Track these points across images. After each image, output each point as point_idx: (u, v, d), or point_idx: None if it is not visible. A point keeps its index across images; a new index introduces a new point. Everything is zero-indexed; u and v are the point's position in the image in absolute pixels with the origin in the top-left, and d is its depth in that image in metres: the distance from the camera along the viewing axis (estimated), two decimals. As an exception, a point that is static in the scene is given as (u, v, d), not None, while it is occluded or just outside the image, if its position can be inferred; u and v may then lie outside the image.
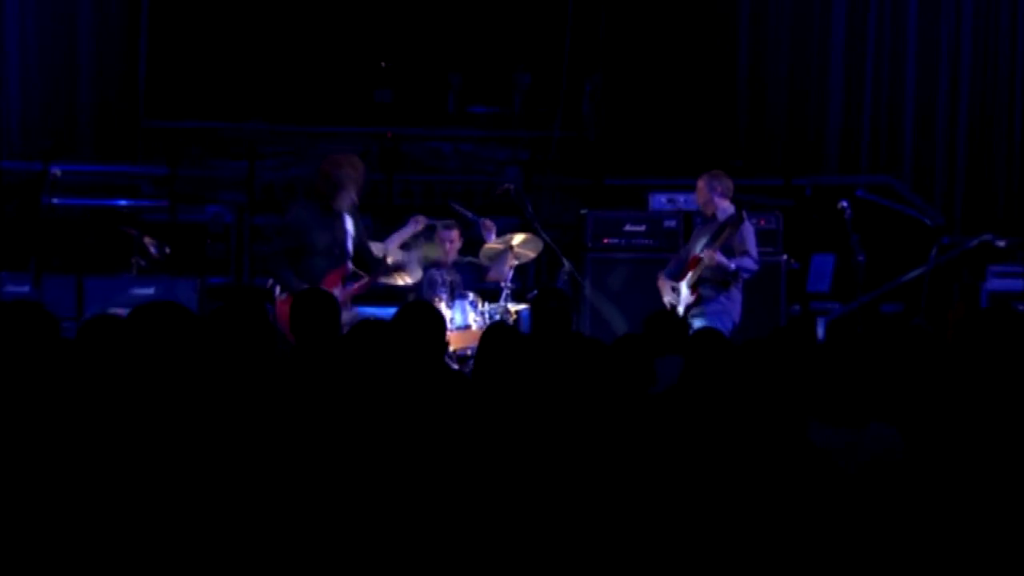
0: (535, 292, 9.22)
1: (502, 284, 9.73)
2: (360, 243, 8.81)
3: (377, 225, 12.25)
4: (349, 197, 8.64)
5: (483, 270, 10.26)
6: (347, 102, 14.67)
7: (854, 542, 3.56)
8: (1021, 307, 10.51)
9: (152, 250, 12.02)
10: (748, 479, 3.82)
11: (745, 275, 8.98)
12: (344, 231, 8.64)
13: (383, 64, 14.90)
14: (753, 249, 9.08)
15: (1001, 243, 11.57)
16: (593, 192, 13.00)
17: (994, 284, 11.10)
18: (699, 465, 3.96)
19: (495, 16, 14.74)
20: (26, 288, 10.47)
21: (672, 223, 10.90)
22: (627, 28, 14.11)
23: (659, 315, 7.72)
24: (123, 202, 12.89)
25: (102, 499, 3.62)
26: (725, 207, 9.17)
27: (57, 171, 11.14)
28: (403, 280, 9.54)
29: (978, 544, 3.46)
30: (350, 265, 8.71)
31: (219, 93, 14.42)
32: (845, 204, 9.85)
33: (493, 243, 9.98)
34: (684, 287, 9.16)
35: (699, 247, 9.23)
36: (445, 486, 3.89)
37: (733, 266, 8.92)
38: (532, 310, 7.78)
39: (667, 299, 9.32)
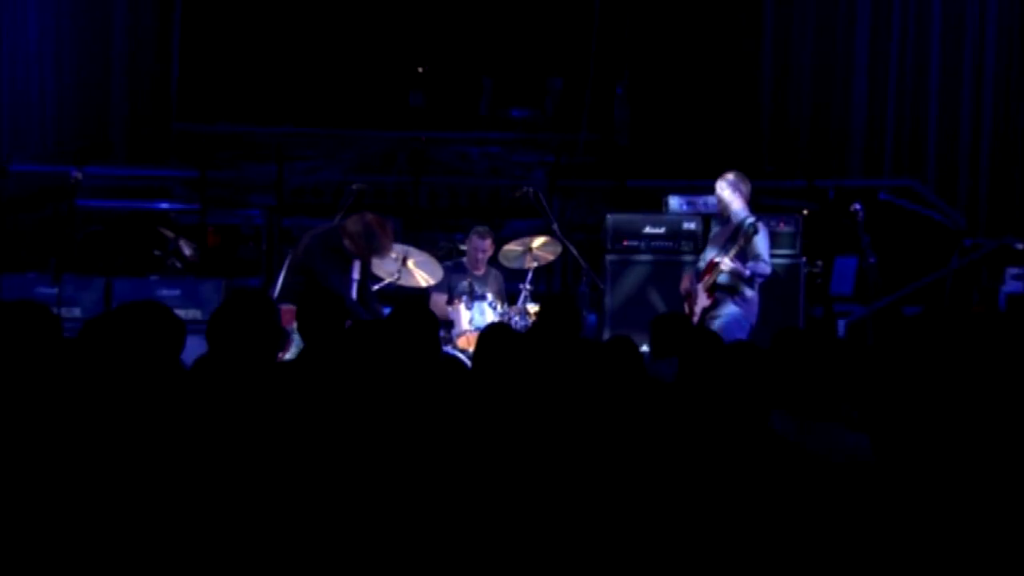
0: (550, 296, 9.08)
1: (521, 286, 9.71)
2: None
3: (405, 228, 12.37)
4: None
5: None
6: (379, 105, 14.71)
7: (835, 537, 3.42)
8: None
9: (187, 252, 12.19)
10: (726, 473, 3.70)
11: (760, 279, 8.92)
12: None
13: (420, 69, 14.98)
14: (766, 253, 9.04)
15: (1020, 245, 11.56)
16: (617, 195, 13.01)
17: (1012, 286, 11.09)
18: (683, 459, 3.87)
19: (528, 22, 14.81)
20: (56, 290, 10.40)
21: (691, 225, 10.73)
22: (652, 34, 14.20)
23: (665, 317, 7.62)
24: (156, 204, 12.88)
25: (102, 498, 3.59)
26: (740, 210, 9.14)
27: (78, 174, 11.04)
28: (425, 282, 9.56)
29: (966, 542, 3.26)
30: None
31: (250, 97, 14.59)
32: (858, 207, 9.69)
33: (513, 245, 9.88)
34: (704, 291, 9.15)
35: (715, 252, 9.25)
36: (441, 477, 3.89)
37: (748, 272, 8.91)
38: (539, 314, 7.71)
39: (699, 306, 9.31)
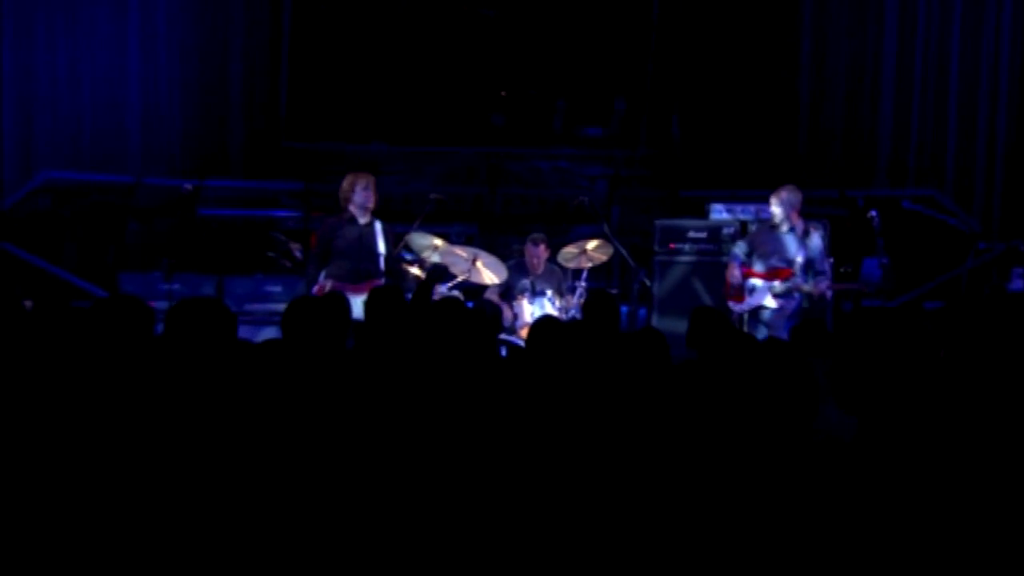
0: (587, 293, 9.28)
1: (577, 283, 9.76)
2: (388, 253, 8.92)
3: (481, 232, 12.90)
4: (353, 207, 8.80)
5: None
6: (464, 125, 14.69)
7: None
8: None
9: (296, 254, 12.48)
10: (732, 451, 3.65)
11: None
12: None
13: (502, 93, 14.92)
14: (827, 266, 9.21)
15: None
16: (670, 203, 13.00)
17: (1016, 284, 11.07)
18: (695, 438, 3.87)
19: (597, 50, 14.73)
20: (178, 285, 10.67)
21: (730, 230, 10.81)
22: (702, 60, 14.10)
23: (701, 310, 7.85)
24: (267, 212, 13.07)
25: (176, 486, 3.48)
26: (797, 219, 9.15)
27: (189, 186, 11.41)
28: (491, 280, 9.73)
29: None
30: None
31: (349, 118, 14.52)
32: (874, 213, 9.83)
33: (570, 247, 9.95)
34: (767, 292, 9.12)
35: (782, 257, 9.13)
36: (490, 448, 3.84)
37: (831, 294, 9.24)
38: (583, 307, 7.66)
39: (754, 299, 9.25)
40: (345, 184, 8.81)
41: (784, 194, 9.15)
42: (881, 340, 4.21)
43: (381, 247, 8.75)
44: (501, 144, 14.52)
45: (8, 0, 12.85)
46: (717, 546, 3.32)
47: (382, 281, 8.63)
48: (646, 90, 14.45)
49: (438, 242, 9.57)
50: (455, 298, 8.63)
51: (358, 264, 8.66)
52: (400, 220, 10.12)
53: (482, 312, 7.61)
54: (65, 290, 11.77)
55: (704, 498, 3.44)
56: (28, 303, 8.79)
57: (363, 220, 8.73)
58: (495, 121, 14.97)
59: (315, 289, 8.48)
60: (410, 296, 8.25)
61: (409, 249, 9.75)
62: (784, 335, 8.37)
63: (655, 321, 10.65)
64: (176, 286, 10.69)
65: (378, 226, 8.80)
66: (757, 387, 4.02)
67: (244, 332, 10.55)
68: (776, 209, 9.12)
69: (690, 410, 4.10)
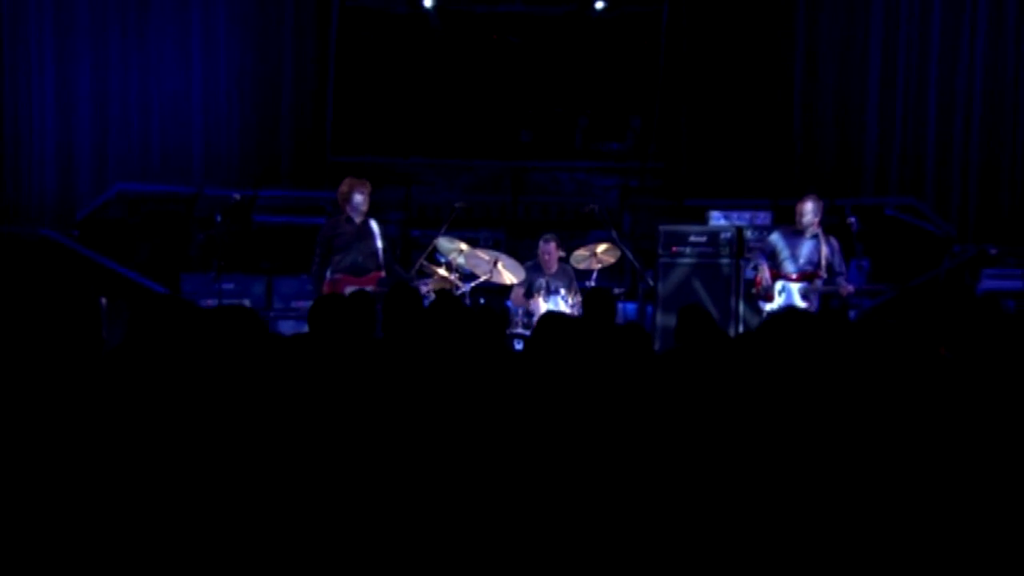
0: (591, 288, 9.14)
1: (588, 283, 9.77)
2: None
3: (509, 237, 12.90)
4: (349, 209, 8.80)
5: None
6: (494, 141, 14.79)
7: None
8: (1011, 303, 10.58)
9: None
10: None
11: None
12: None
13: (558, 110, 15.10)
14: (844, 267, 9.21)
15: (993, 251, 11.40)
16: (677, 210, 12.96)
17: (986, 284, 10.96)
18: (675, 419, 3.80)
19: (615, 74, 14.92)
20: (232, 285, 10.87)
21: (728, 235, 10.74)
22: (705, 82, 14.11)
23: (689, 308, 7.96)
24: (315, 220, 12.48)
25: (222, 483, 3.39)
26: (818, 226, 9.12)
27: (237, 195, 11.51)
28: (511, 280, 9.70)
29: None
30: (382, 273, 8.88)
31: (389, 135, 14.65)
32: (853, 220, 9.84)
33: (581, 251, 9.89)
34: (798, 293, 9.07)
35: (809, 261, 9.11)
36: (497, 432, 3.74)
37: (852, 291, 9.16)
38: (584, 303, 7.70)
39: (784, 300, 9.17)
40: (344, 188, 8.89)
41: (816, 203, 9.13)
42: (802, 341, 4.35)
43: (378, 243, 8.83)
44: (525, 158, 14.57)
45: (87, 31, 12.97)
46: (690, 520, 3.24)
47: (382, 273, 8.79)
48: (656, 109, 14.43)
49: (463, 246, 9.56)
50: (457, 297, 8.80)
51: (357, 259, 8.73)
52: (432, 226, 10.39)
53: (491, 310, 7.89)
54: (135, 290, 11.69)
55: (682, 477, 3.39)
56: (103, 301, 9.23)
57: (358, 220, 8.80)
58: (523, 137, 15.13)
59: (324, 286, 8.58)
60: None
61: (437, 251, 9.75)
62: None
63: (659, 317, 10.65)
64: (229, 285, 10.89)
65: (373, 224, 8.89)
66: (730, 375, 4.15)
67: (290, 326, 11.01)
68: (812, 217, 9.05)
69: (669, 394, 4.09)
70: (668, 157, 14.23)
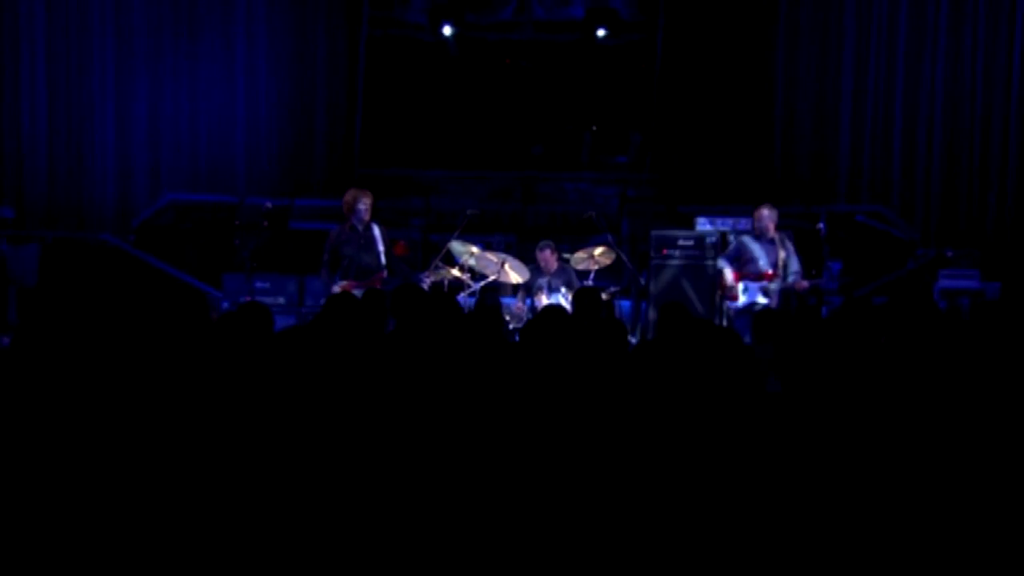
0: (580, 287, 9.02)
1: (585, 282, 9.78)
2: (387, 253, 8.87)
3: (520, 241, 12.52)
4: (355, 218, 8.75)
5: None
6: (509, 154, 14.63)
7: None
8: (965, 300, 10.73)
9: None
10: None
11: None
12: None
13: (569, 127, 14.91)
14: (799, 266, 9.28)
15: (950, 254, 11.49)
16: (670, 216, 12.86)
17: (943, 283, 11.04)
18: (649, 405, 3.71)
19: (616, 95, 14.75)
20: (267, 284, 10.91)
21: (713, 239, 10.80)
22: (697, 102, 14.02)
23: (668, 304, 7.97)
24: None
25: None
26: (774, 231, 9.23)
27: (269, 204, 11.59)
28: (516, 279, 9.85)
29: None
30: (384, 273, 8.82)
31: (412, 148, 14.51)
32: (821, 226, 9.83)
33: (580, 253, 9.95)
34: (759, 291, 9.13)
35: (767, 262, 9.21)
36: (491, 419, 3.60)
37: (808, 287, 9.27)
38: (573, 300, 7.70)
39: (747, 299, 9.19)
40: (348, 198, 8.85)
41: (771, 211, 9.25)
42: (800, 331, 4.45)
43: (380, 246, 8.79)
44: (535, 169, 14.47)
45: (143, 58, 13.16)
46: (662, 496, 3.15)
47: (384, 274, 8.77)
48: (651, 126, 14.37)
49: (474, 249, 9.69)
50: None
51: (361, 262, 8.71)
52: (451, 231, 10.28)
53: (486, 304, 8.02)
54: (183, 289, 11.78)
55: (654, 459, 3.31)
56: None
57: (361, 227, 8.76)
58: (535, 151, 14.98)
59: (335, 289, 8.47)
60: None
61: (451, 253, 9.83)
62: None
63: (651, 313, 10.62)
64: (265, 284, 10.98)
65: (375, 230, 8.85)
66: (703, 364, 4.00)
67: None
68: (767, 222, 9.18)
69: (644, 382, 4.05)
70: (662, 169, 14.17)
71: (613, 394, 3.90)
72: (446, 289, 9.79)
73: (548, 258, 9.91)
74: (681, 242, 11.12)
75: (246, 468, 3.25)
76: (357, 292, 7.80)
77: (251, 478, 3.21)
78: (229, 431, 3.41)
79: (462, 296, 9.63)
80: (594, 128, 14.91)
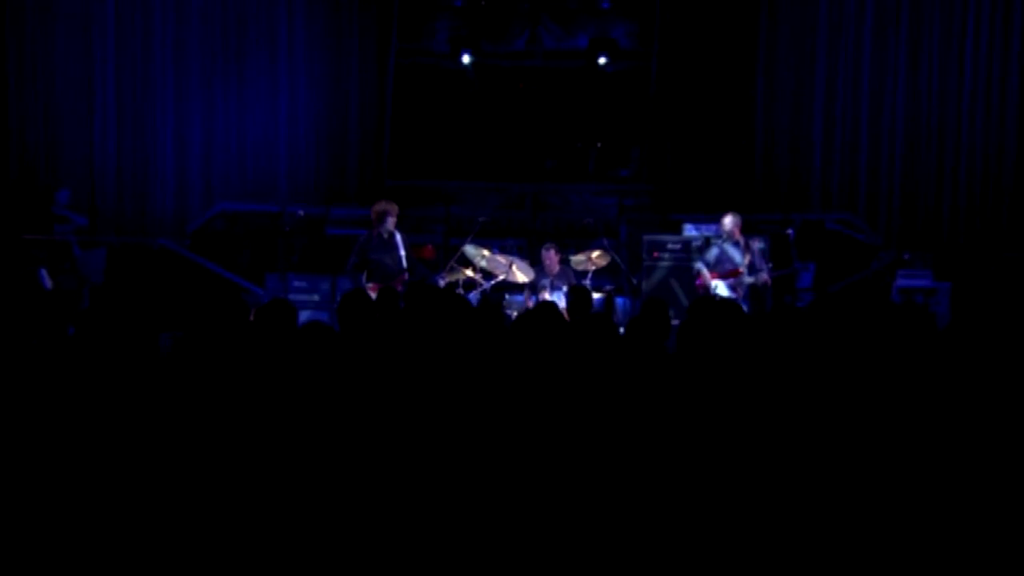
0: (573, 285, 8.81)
1: (583, 282, 9.70)
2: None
3: (529, 245, 12.58)
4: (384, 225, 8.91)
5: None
6: (523, 167, 14.67)
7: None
8: (919, 297, 10.59)
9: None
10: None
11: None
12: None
13: (578, 144, 14.90)
14: (763, 264, 9.38)
15: (907, 256, 11.48)
16: (663, 223, 12.79)
17: (901, 283, 11.00)
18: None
19: (619, 113, 14.85)
20: (305, 283, 10.76)
21: (698, 243, 10.58)
22: (686, 120, 14.07)
23: (650, 301, 7.63)
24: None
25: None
26: (739, 235, 9.35)
27: (301, 212, 11.65)
28: (523, 279, 9.89)
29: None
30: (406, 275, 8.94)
31: (435, 162, 14.58)
32: (790, 231, 9.96)
33: (579, 256, 10.00)
34: (724, 286, 9.26)
35: (731, 263, 9.29)
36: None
37: (770, 282, 9.32)
38: (567, 296, 7.73)
39: (726, 293, 9.22)
40: (379, 208, 9.07)
41: (734, 217, 9.38)
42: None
43: (402, 251, 8.97)
44: (545, 182, 14.49)
45: (198, 83, 13.24)
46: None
47: (406, 276, 8.90)
48: (647, 143, 14.49)
49: (485, 252, 9.84)
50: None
51: (385, 265, 8.90)
52: (468, 236, 10.30)
53: (488, 302, 7.98)
54: (232, 288, 11.73)
55: (634, 433, 3.23)
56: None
57: (386, 235, 8.94)
58: (547, 165, 15.00)
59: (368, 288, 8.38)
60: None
61: (465, 256, 9.91)
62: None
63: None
64: (302, 283, 10.84)
65: (398, 237, 9.01)
66: (676, 354, 4.08)
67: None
68: (731, 228, 9.30)
69: (624, 366, 4.01)
70: (657, 180, 14.25)
71: (598, 377, 3.85)
72: (461, 287, 9.79)
73: (551, 257, 9.91)
74: (670, 246, 11.31)
75: (278, 440, 3.17)
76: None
77: (277, 451, 3.12)
78: (261, 408, 3.35)
79: (474, 294, 9.70)
80: (599, 144, 14.88)
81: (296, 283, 10.85)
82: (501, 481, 3.07)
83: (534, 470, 3.10)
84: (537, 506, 2.99)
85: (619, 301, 11.64)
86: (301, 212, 11.76)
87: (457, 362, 4.12)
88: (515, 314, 8.94)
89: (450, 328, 4.94)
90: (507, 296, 10.53)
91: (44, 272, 9.31)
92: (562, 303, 8.77)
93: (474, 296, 9.66)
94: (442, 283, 9.19)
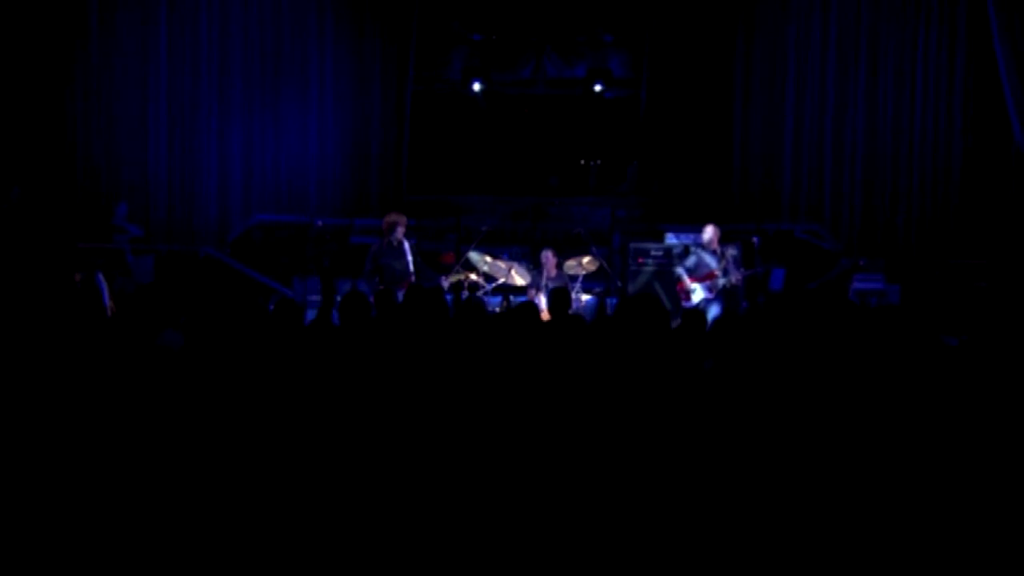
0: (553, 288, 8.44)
1: (574, 284, 9.82)
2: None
3: (532, 252, 12.40)
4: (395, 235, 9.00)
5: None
6: (528, 183, 14.90)
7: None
8: (873, 299, 10.79)
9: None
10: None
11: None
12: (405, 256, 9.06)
13: (582, 162, 15.01)
14: (734, 267, 9.47)
15: (863, 262, 11.61)
16: (651, 232, 12.85)
17: (857, 285, 11.17)
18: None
19: (615, 134, 15.14)
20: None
21: (678, 250, 10.77)
22: (670, 140, 14.25)
23: (634, 297, 7.98)
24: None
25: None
26: (717, 244, 9.51)
27: (320, 223, 11.66)
28: (521, 282, 9.93)
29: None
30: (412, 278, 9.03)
31: (449, 178, 14.81)
32: (756, 240, 10.09)
33: (571, 262, 9.99)
34: (702, 287, 9.40)
35: (707, 268, 9.41)
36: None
37: (741, 283, 9.48)
38: (548, 298, 7.74)
39: (696, 298, 9.35)
40: (390, 219, 9.18)
41: (714, 228, 9.56)
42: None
43: (409, 257, 9.11)
44: (548, 196, 14.60)
45: (239, 108, 13.30)
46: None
47: (412, 279, 9.03)
48: (640, 161, 14.70)
49: (487, 258, 9.96)
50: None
51: (395, 269, 9.04)
52: (474, 243, 10.29)
53: (471, 302, 8.04)
54: (266, 290, 11.77)
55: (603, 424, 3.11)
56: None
57: (395, 243, 9.07)
58: (552, 182, 15.28)
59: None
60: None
61: (469, 261, 9.98)
62: (718, 309, 9.14)
63: None
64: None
65: (406, 245, 9.15)
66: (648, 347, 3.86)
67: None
68: (710, 237, 9.48)
69: (597, 360, 3.88)
70: (647, 194, 14.42)
71: (571, 368, 3.79)
72: (465, 288, 9.88)
73: (550, 258, 9.96)
74: (653, 252, 11.45)
75: (292, 419, 3.10)
76: (399, 291, 8.04)
77: (290, 431, 3.04)
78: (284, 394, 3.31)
79: (479, 294, 9.85)
80: (598, 162, 15.05)
81: (303, 285, 10.95)
82: (467, 466, 2.96)
83: (503, 456, 2.98)
84: (508, 492, 2.85)
85: (610, 301, 11.80)
86: (320, 223, 11.84)
87: (437, 355, 4.03)
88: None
89: (434, 323, 4.99)
90: (512, 297, 10.53)
91: (100, 276, 9.14)
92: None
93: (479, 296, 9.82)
94: (445, 284, 9.27)
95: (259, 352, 3.82)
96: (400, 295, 7.50)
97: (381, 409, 3.22)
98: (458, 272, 9.95)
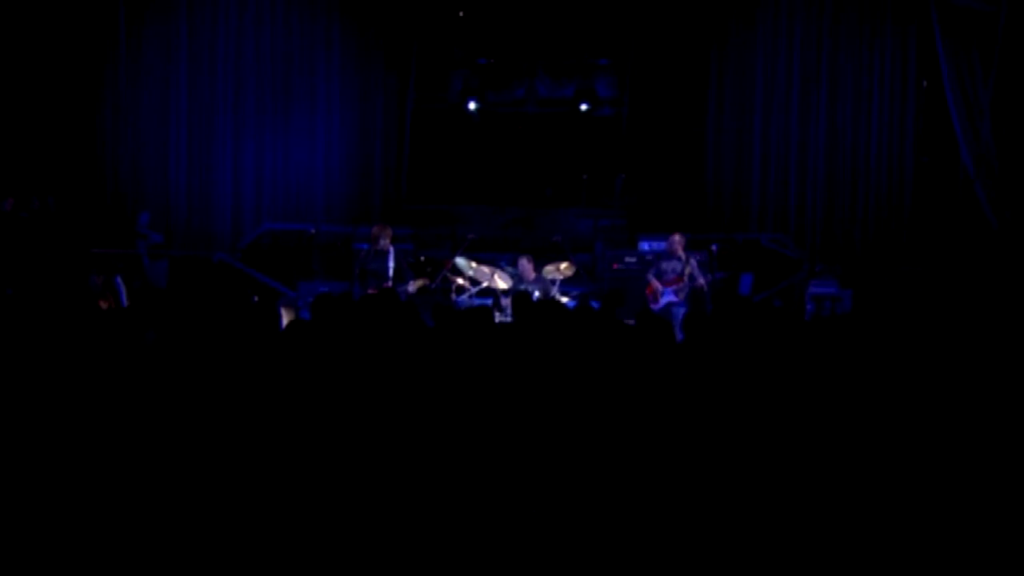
0: (516, 293, 8.40)
1: (554, 288, 9.83)
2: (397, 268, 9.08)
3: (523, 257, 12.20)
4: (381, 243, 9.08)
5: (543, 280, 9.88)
6: (524, 195, 14.87)
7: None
8: (827, 303, 10.85)
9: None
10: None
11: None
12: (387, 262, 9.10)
13: (585, 176, 14.64)
14: (698, 272, 9.50)
15: (819, 268, 11.82)
16: (629, 241, 13.04)
17: (813, 290, 11.13)
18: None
19: (602, 150, 15.12)
20: (327, 288, 9.46)
21: (650, 257, 10.78)
22: (649, 156, 14.43)
23: (613, 291, 8.31)
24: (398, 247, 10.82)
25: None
26: (682, 251, 9.56)
27: (312, 229, 11.86)
28: (503, 285, 9.81)
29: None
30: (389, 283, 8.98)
31: (445, 189, 14.78)
32: (715, 248, 10.28)
33: (550, 267, 9.99)
34: (670, 293, 9.48)
35: (675, 272, 9.47)
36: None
37: (706, 285, 9.46)
38: (512, 303, 7.72)
39: (664, 300, 9.46)
40: (375, 231, 9.27)
41: (681, 236, 9.68)
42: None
43: (391, 262, 9.12)
44: (540, 206, 14.65)
45: (252, 124, 13.44)
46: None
47: (389, 283, 9.02)
48: (621, 172, 14.89)
49: (473, 263, 9.96)
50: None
51: (380, 275, 9.08)
52: (473, 251, 10.40)
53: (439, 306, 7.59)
54: (275, 292, 11.64)
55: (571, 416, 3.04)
56: (255, 298, 9.51)
57: (381, 250, 9.12)
58: (547, 193, 15.19)
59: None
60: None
61: (456, 267, 10.04)
62: (684, 311, 8.99)
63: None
64: (325, 289, 9.74)
65: (391, 251, 9.17)
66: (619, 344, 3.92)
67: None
68: (676, 246, 9.55)
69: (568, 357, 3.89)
70: (628, 205, 14.51)
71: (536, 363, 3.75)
72: (453, 291, 9.93)
73: (525, 265, 10.02)
74: (627, 259, 11.72)
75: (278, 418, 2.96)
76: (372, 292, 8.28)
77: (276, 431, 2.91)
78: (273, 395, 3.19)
79: (464, 297, 9.96)
80: (585, 176, 14.93)
81: (323, 288, 10.39)
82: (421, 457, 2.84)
83: (449, 449, 2.87)
84: (467, 478, 2.73)
85: (592, 304, 12.09)
86: (312, 229, 12.01)
87: (391, 352, 3.93)
88: (498, 315, 9.61)
89: (391, 322, 4.89)
90: (503, 298, 10.68)
91: (119, 279, 9.12)
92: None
93: (463, 299, 9.97)
94: (412, 288, 9.25)
95: (226, 348, 3.75)
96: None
97: (333, 404, 3.13)
98: (446, 276, 10.07)
